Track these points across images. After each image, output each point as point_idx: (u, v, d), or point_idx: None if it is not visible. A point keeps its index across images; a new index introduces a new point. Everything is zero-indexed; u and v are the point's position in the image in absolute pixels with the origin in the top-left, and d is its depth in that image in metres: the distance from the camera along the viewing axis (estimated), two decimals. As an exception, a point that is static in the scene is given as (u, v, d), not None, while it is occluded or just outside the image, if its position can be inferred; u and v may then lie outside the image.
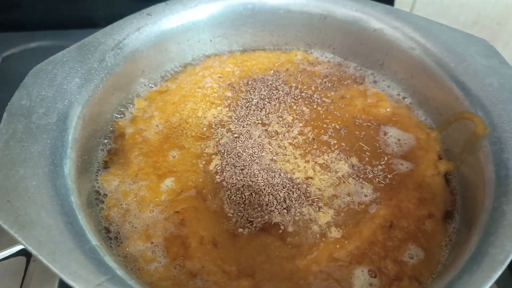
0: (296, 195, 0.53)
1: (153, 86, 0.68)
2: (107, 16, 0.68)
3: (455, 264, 0.41)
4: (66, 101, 0.52)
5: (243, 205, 0.52)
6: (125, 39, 0.61)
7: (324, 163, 0.57)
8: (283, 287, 0.47)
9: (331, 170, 0.56)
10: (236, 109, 0.64)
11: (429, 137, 0.61)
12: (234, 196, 0.53)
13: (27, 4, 0.94)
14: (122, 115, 0.64)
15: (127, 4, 0.95)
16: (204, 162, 0.58)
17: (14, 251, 0.55)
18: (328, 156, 0.58)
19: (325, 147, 0.59)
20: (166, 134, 0.61)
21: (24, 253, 0.56)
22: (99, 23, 0.66)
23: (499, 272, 0.37)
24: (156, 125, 0.62)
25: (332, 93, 0.67)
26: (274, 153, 0.58)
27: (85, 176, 0.54)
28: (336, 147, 0.59)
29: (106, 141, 0.60)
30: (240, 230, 0.51)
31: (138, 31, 0.63)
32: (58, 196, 0.44)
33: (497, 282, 0.60)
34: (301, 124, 0.62)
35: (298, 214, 0.52)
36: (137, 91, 0.67)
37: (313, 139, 0.60)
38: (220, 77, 0.70)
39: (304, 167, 0.56)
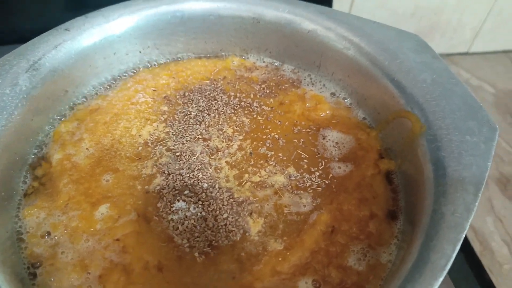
0: (236, 215, 0.51)
1: (80, 106, 0.63)
2: (38, 29, 0.62)
3: (399, 272, 0.40)
4: (-26, 134, 0.47)
5: (188, 230, 0.50)
6: (41, 58, 0.56)
7: (260, 180, 0.55)
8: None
9: (268, 186, 0.54)
10: (173, 124, 0.61)
11: (369, 137, 0.60)
12: (178, 221, 0.50)
13: None
14: (46, 141, 0.58)
15: (60, 16, 0.89)
16: (143, 184, 0.54)
17: None
18: (264, 170, 0.56)
19: (262, 161, 0.57)
20: (98, 157, 0.57)
21: None
22: (31, 37, 0.60)
23: (441, 279, 0.36)
24: (87, 148, 0.58)
25: (271, 100, 0.65)
26: (215, 174, 0.55)
27: (4, 214, 0.49)
28: (273, 159, 0.57)
29: (29, 172, 0.55)
30: (188, 253, 0.48)
31: (55, 49, 0.57)
32: (-36, 246, 0.39)
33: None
34: (241, 137, 0.60)
35: (241, 231, 0.50)
36: (62, 113, 0.61)
37: (251, 153, 0.58)
38: (154, 90, 0.66)
39: (239, 190, 0.54)
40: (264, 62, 0.72)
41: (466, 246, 0.75)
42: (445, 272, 0.37)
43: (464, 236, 0.39)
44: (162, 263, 0.47)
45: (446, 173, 0.45)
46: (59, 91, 0.60)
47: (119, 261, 0.47)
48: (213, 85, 0.67)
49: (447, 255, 0.38)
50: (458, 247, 0.38)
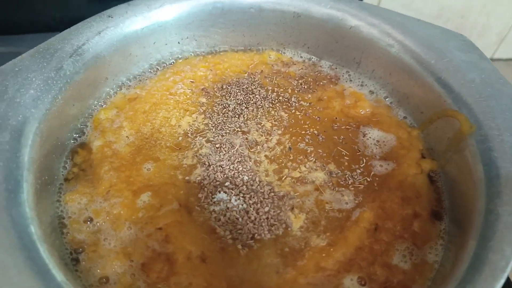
0: (278, 209, 0.50)
1: (119, 94, 0.63)
2: (64, 18, 0.62)
3: (454, 273, 0.39)
4: (20, 116, 0.47)
5: (231, 221, 0.49)
6: (85, 44, 0.56)
7: (300, 175, 0.54)
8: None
9: (308, 181, 0.53)
10: (212, 116, 0.60)
11: (410, 136, 0.59)
12: (220, 212, 0.50)
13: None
14: (87, 127, 0.58)
15: (85, 6, 0.89)
16: (183, 174, 0.53)
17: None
18: (304, 166, 0.55)
19: (301, 157, 0.56)
20: (138, 146, 0.57)
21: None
22: (56, 26, 0.60)
23: (502, 280, 0.35)
24: (127, 136, 0.58)
25: (309, 96, 0.64)
26: (255, 167, 0.55)
27: (47, 199, 0.48)
28: (312, 155, 0.56)
29: (69, 157, 0.55)
30: (231, 244, 0.48)
31: (98, 35, 0.57)
32: (14, 228, 0.38)
33: None
34: (280, 132, 0.59)
35: (283, 225, 0.49)
36: (102, 100, 0.61)
37: (290, 148, 0.57)
38: (192, 82, 0.65)
39: (279, 184, 0.53)
40: (301, 57, 0.71)
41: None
42: (505, 274, 0.36)
43: (524, 238, 0.38)
44: (206, 254, 0.47)
45: (500, 174, 0.44)
46: (100, 78, 0.60)
47: (162, 250, 0.47)
48: (250, 78, 0.67)
49: (507, 256, 0.37)
50: (518, 249, 0.37)
